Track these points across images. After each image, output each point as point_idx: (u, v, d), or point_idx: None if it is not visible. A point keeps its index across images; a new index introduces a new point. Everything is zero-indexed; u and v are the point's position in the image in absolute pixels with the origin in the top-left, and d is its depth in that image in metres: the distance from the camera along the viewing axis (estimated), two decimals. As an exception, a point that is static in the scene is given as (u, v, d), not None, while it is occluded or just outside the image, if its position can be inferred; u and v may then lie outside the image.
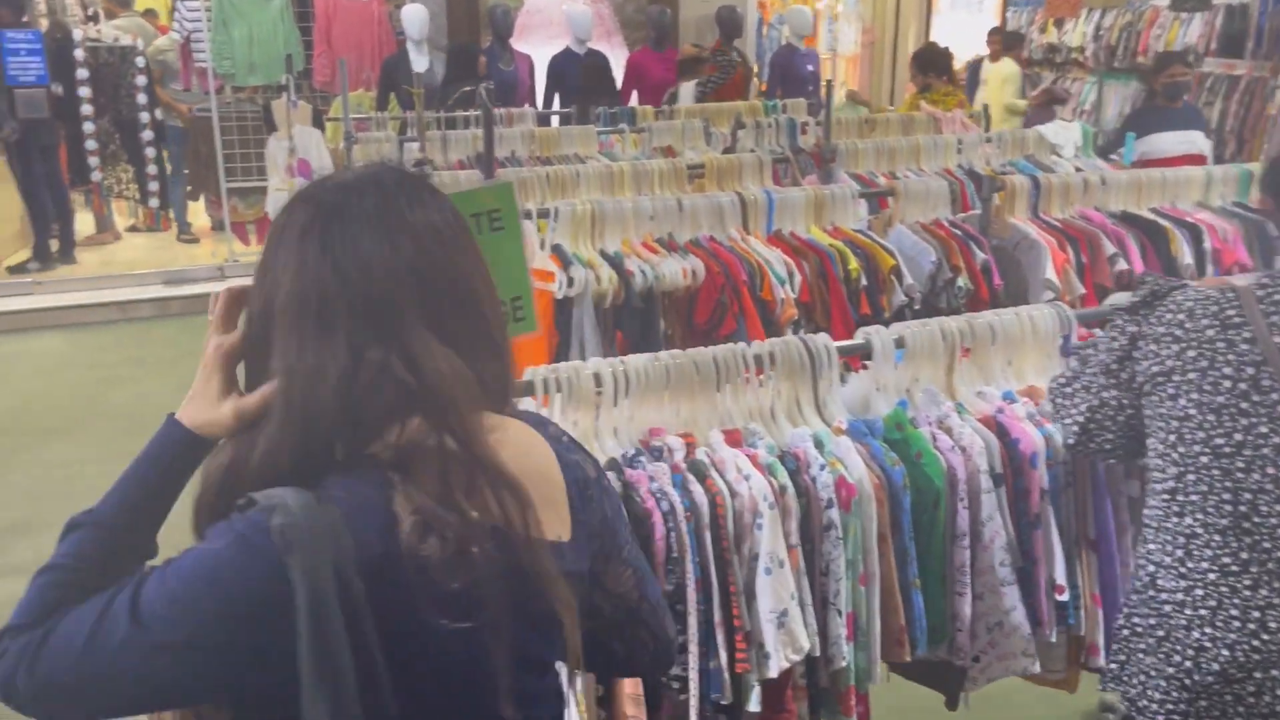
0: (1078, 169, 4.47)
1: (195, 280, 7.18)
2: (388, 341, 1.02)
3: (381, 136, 4.77)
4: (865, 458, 1.71)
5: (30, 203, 7.18)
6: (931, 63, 6.25)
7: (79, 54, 6.86)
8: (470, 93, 5.79)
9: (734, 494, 1.61)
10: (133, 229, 8.14)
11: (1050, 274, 3.14)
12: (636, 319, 2.84)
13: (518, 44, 7.25)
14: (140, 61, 7.05)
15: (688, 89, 6.78)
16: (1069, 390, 1.66)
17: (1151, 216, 3.38)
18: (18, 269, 7.20)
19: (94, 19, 9.55)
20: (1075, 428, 1.64)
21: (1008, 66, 8.12)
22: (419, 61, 6.72)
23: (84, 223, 8.01)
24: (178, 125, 7.58)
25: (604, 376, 1.70)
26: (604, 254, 2.91)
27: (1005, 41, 9.00)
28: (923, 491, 1.74)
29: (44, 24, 7.36)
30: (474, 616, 0.99)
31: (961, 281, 3.09)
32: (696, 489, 1.60)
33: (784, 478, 1.64)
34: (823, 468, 1.66)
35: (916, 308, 3.11)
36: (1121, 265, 3.23)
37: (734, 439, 1.71)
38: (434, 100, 6.43)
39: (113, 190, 7.32)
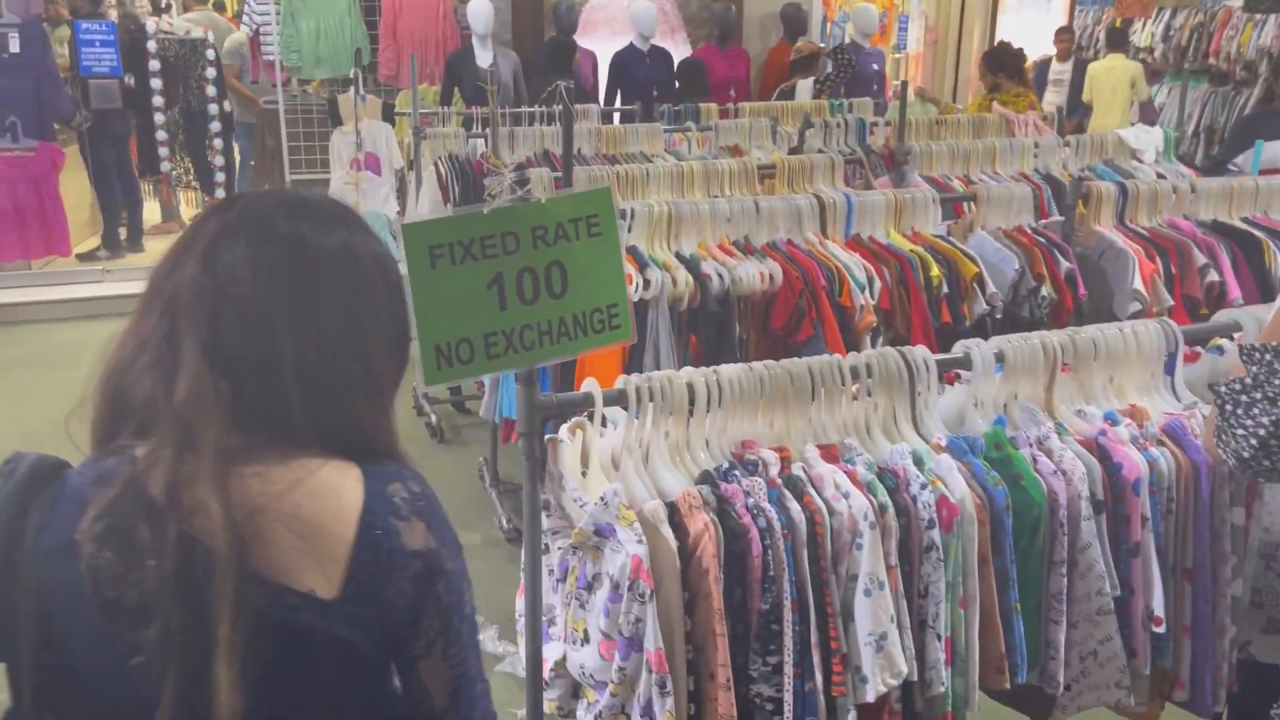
0: (1159, 175, 4.35)
1: (259, 270, 7.26)
2: (172, 342, 1.07)
3: (448, 132, 4.77)
4: (966, 477, 1.66)
5: (101, 191, 7.31)
6: (1002, 63, 6.12)
7: (151, 46, 6.95)
8: (557, 89, 5.78)
9: (832, 512, 1.56)
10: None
11: (1138, 284, 3.05)
12: (712, 323, 2.80)
13: (581, 40, 7.23)
14: (210, 54, 7.13)
15: (805, 86, 6.69)
16: (1246, 400, 1.49)
17: (1244, 226, 3.27)
18: (88, 256, 7.33)
19: (165, 10, 9.71)
20: (1253, 441, 1.44)
21: (1126, 64, 7.91)
22: (483, 57, 6.74)
23: (150, 212, 8.14)
24: (249, 121, 7.66)
25: (697, 386, 1.67)
26: (679, 256, 2.87)
27: (1111, 38, 8.84)
28: (1021, 515, 1.69)
29: (113, 15, 7.48)
30: (140, 631, 0.99)
31: (1045, 291, 3.01)
32: (794, 506, 1.56)
33: (884, 496, 1.59)
34: (923, 486, 1.61)
35: (998, 317, 3.03)
36: (1213, 277, 3.12)
37: (830, 454, 1.66)
38: (508, 95, 6.45)
39: (181, 180, 7.42)
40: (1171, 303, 3.08)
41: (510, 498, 3.99)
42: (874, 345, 2.92)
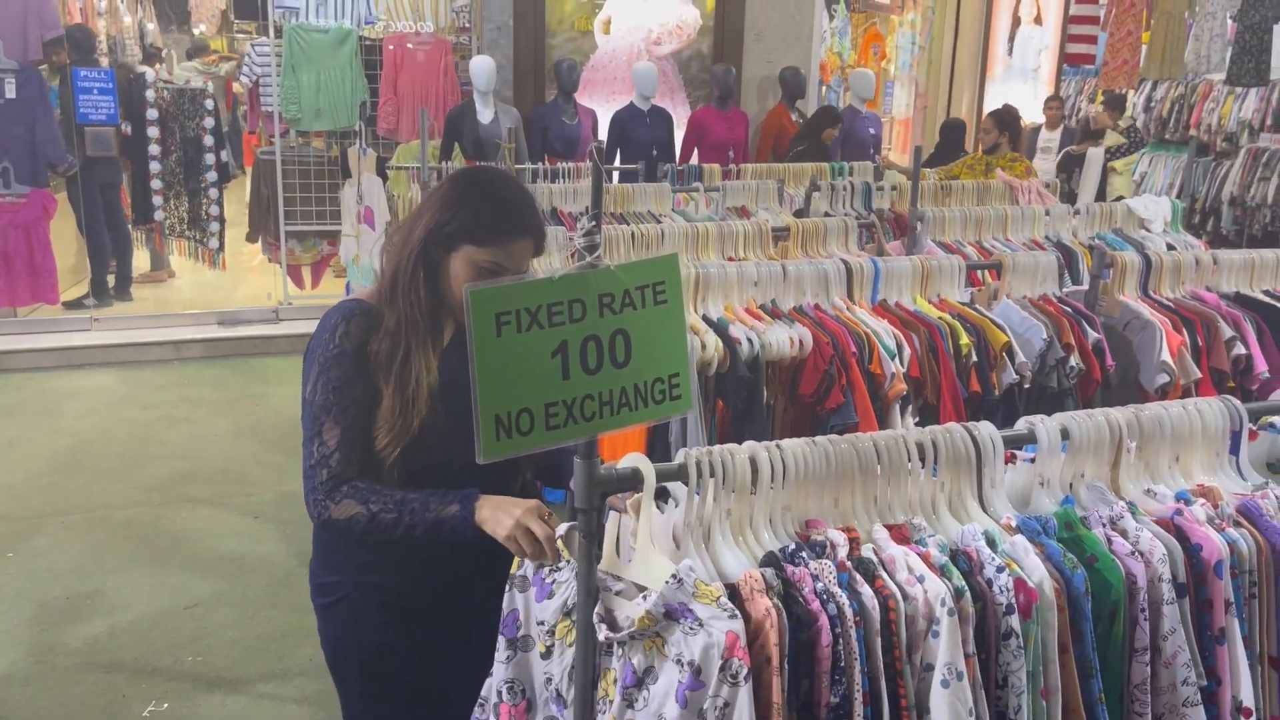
0: (1169, 244, 4.36)
1: (249, 322, 7.17)
2: None
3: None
4: (1042, 558, 1.58)
5: (90, 238, 7.22)
6: (1009, 124, 6.17)
7: (149, 95, 6.91)
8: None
9: (906, 597, 1.48)
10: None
11: (1166, 356, 3.01)
12: (741, 389, 2.73)
13: (582, 99, 7.24)
14: (209, 104, 7.09)
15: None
16: None
17: (1267, 299, 3.25)
18: (75, 304, 7.21)
19: (154, 58, 9.68)
20: None
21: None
22: (484, 113, 6.74)
23: (140, 260, 8.04)
24: None
25: (760, 461, 1.59)
26: (707, 319, 2.81)
27: (1110, 102, 8.99)
28: (1099, 599, 1.61)
29: (103, 63, 7.43)
30: None
31: (1074, 361, 2.97)
32: (866, 591, 1.47)
33: (959, 579, 1.50)
34: (1000, 569, 1.53)
35: (1026, 386, 2.98)
36: (1239, 350, 3.09)
37: (900, 535, 1.58)
38: (488, 150, 6.43)
39: (174, 229, 7.34)
40: (1199, 375, 3.04)
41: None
42: (903, 414, 2.86)
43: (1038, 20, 11.75)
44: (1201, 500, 1.75)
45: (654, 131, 7.14)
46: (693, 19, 7.65)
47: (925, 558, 1.52)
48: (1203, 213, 11.13)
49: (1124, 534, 1.66)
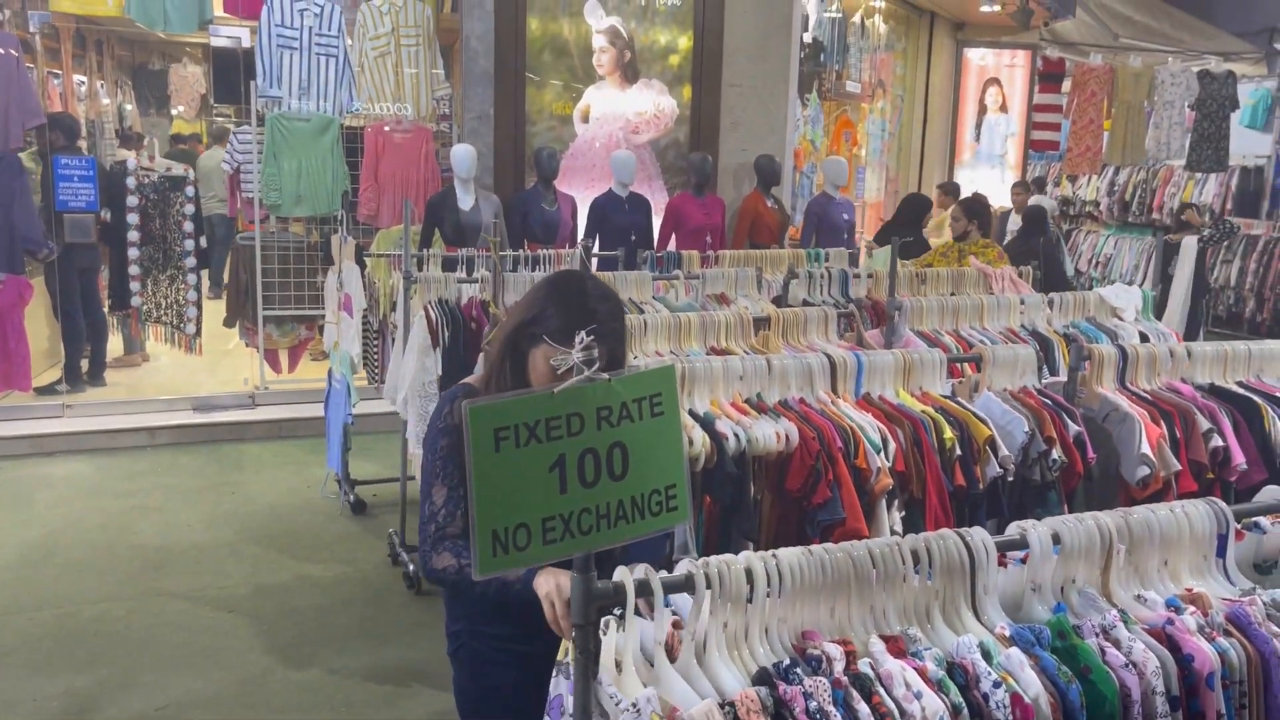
0: (1142, 334, 4.43)
1: (225, 407, 7.11)
2: None
3: (438, 277, 4.74)
4: (1037, 672, 1.57)
5: (66, 323, 7.18)
6: (978, 211, 6.28)
7: (130, 182, 6.94)
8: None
9: (904, 714, 1.47)
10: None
11: (1145, 449, 3.04)
12: (729, 484, 2.72)
13: (562, 186, 7.34)
14: (190, 191, 7.12)
15: None
16: None
17: (1242, 391, 3.31)
18: (47, 390, 7.14)
19: (133, 142, 9.74)
20: None
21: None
22: (465, 200, 6.80)
23: (113, 343, 7.99)
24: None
25: (756, 571, 1.58)
26: (694, 414, 2.82)
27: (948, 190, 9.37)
28: (1093, 713, 1.60)
29: (84, 149, 7.48)
30: None
31: (1056, 454, 2.99)
32: (862, 708, 1.46)
33: (956, 695, 1.50)
34: (996, 684, 1.53)
35: (1010, 479, 3.00)
36: (1216, 442, 3.13)
37: (897, 648, 1.57)
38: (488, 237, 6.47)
39: (150, 315, 7.32)
40: (1179, 467, 3.07)
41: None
42: (889, 508, 2.87)
43: (1003, 108, 12.10)
44: (1192, 608, 1.76)
45: (632, 217, 7.23)
46: (670, 108, 7.82)
47: (922, 672, 1.52)
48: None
49: (1117, 644, 1.67)
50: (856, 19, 10.85)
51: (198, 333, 7.34)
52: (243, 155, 7.12)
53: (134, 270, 7.10)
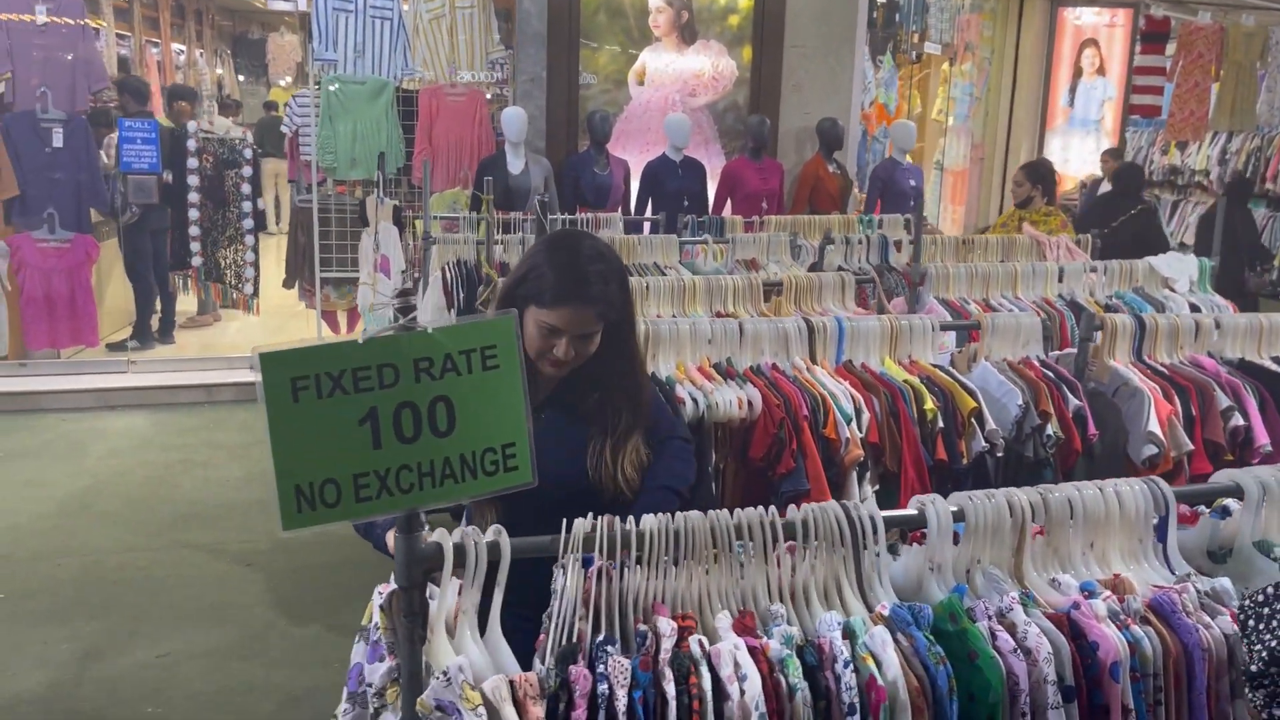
0: (1193, 306, 4.13)
1: (282, 367, 7.24)
2: None
3: (459, 238, 4.71)
4: (906, 654, 1.44)
5: (136, 283, 7.41)
6: (1043, 176, 5.96)
7: (191, 144, 7.10)
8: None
9: (725, 696, 1.36)
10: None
11: (1153, 426, 2.82)
12: (685, 452, 2.61)
13: (615, 149, 7.24)
14: (248, 154, 7.26)
15: None
16: (1267, 611, 1.32)
17: (1275, 367, 3.04)
18: (118, 346, 7.40)
19: (233, 110, 9.98)
20: (1265, 654, 1.30)
21: None
22: (514, 164, 6.76)
23: (187, 304, 8.25)
24: None
25: (597, 537, 1.49)
26: (654, 378, 2.71)
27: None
28: (976, 702, 1.46)
29: (152, 112, 7.67)
30: None
31: (1051, 429, 2.79)
32: (670, 690, 1.34)
33: (795, 676, 1.38)
34: (847, 664, 1.40)
35: (999, 455, 2.82)
36: (1237, 421, 2.88)
37: (744, 625, 1.46)
38: (517, 200, 6.44)
39: (210, 275, 7.51)
40: (1191, 447, 2.84)
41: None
42: (861, 482, 2.72)
43: (1100, 71, 11.48)
44: (1107, 593, 1.59)
45: (685, 182, 7.09)
46: (729, 70, 7.62)
47: (761, 651, 1.40)
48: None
49: (1012, 628, 1.52)
50: (940, -23, 10.43)
51: (255, 293, 7.49)
52: (301, 118, 7.22)
53: (194, 231, 7.28)
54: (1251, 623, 1.35)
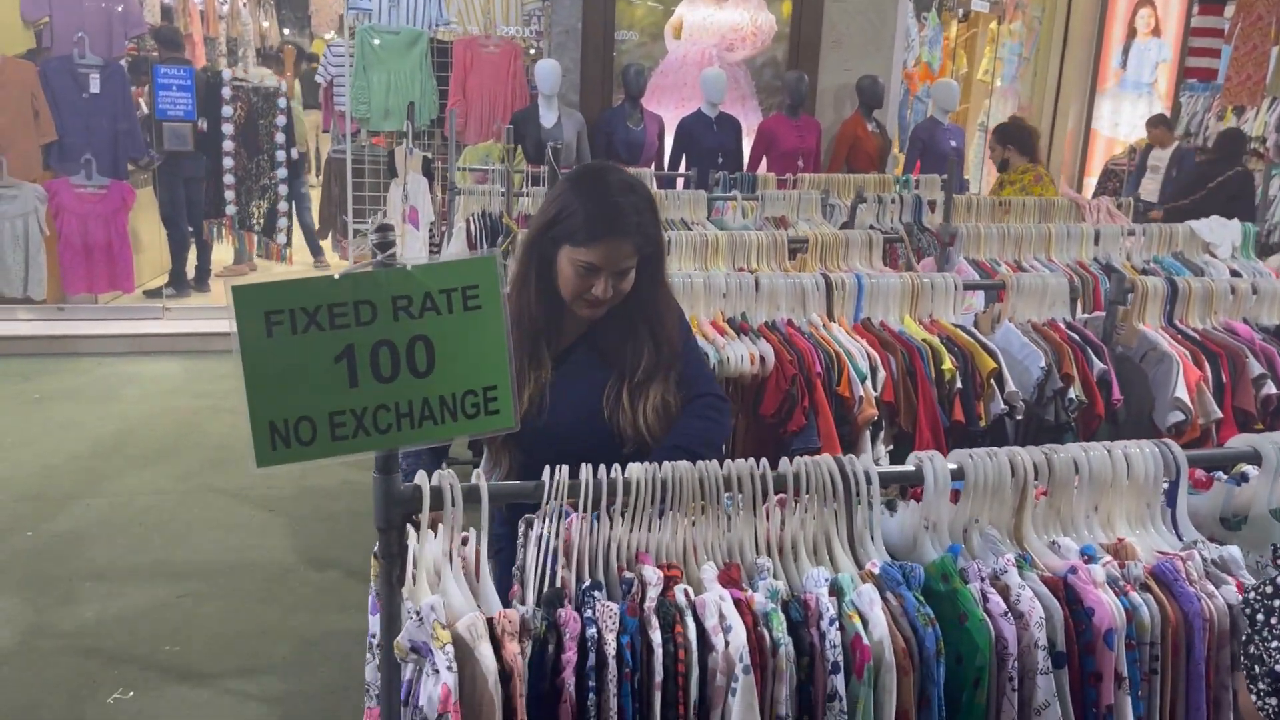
0: (1234, 272, 4.00)
1: (314, 317, 7.29)
2: None
3: (485, 189, 4.68)
4: (894, 613, 1.40)
5: (171, 230, 7.47)
6: (1011, 136, 5.88)
7: (226, 92, 7.11)
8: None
9: (709, 648, 1.33)
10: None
11: (1181, 392, 2.73)
12: (694, 406, 2.58)
13: (650, 104, 7.15)
14: (282, 103, 7.26)
15: None
16: (1278, 604, 1.24)
17: (1312, 334, 2.93)
18: (154, 293, 7.48)
19: (276, 62, 9.97)
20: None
21: None
22: (548, 117, 6.71)
23: (223, 253, 8.30)
24: None
25: (581, 486, 1.46)
26: (670, 332, 2.67)
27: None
28: (964, 664, 1.42)
29: (188, 59, 7.69)
30: None
31: (1074, 393, 2.72)
32: (657, 638, 1.31)
33: (780, 631, 1.34)
34: (832, 622, 1.36)
35: (1019, 418, 2.75)
36: (1269, 389, 2.79)
37: (730, 577, 1.43)
38: (570, 154, 6.38)
39: (244, 223, 7.55)
40: (1220, 415, 2.75)
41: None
42: (874, 441, 2.67)
43: (1155, 31, 11.13)
44: (1107, 558, 1.54)
45: (720, 139, 7.00)
46: (768, 24, 7.48)
47: (746, 604, 1.37)
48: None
49: (1005, 591, 1.47)
50: (991, -67, 10.14)
51: (288, 242, 7.53)
52: (335, 68, 7.19)
53: (228, 179, 7.31)
54: (1261, 617, 1.26)
